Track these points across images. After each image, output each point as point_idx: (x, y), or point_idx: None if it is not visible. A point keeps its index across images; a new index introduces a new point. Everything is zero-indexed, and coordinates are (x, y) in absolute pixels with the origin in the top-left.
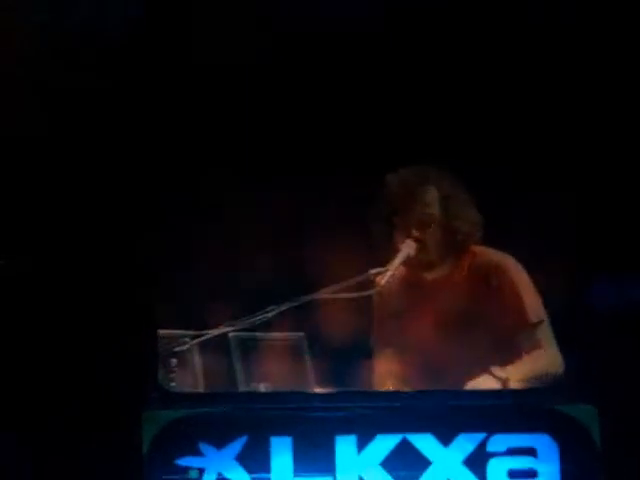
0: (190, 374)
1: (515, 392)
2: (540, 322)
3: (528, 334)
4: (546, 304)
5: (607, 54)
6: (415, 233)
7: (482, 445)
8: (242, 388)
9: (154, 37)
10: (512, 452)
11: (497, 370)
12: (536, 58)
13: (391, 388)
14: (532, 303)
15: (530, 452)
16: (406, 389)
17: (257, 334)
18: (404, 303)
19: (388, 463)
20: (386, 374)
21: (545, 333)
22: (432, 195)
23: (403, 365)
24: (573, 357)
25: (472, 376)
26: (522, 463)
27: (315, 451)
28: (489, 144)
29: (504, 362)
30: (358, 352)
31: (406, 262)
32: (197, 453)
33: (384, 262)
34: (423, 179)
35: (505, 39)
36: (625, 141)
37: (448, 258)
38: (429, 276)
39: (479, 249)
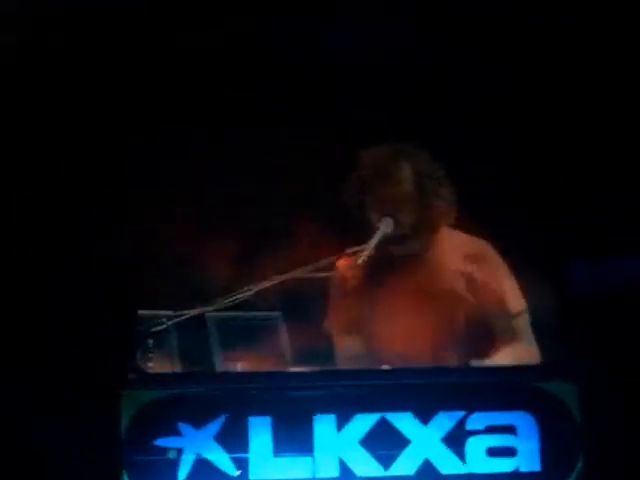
0: (167, 355)
1: (494, 369)
2: (519, 313)
3: (507, 325)
4: (525, 286)
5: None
6: (387, 210)
7: (461, 423)
8: (219, 368)
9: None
10: (491, 430)
11: (475, 364)
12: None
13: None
14: (512, 293)
15: (509, 430)
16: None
17: (234, 314)
18: (374, 277)
19: (367, 442)
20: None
21: (524, 324)
22: (406, 171)
23: (373, 344)
24: (551, 334)
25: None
26: (501, 441)
27: (294, 430)
28: (470, 126)
29: (481, 353)
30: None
31: (382, 240)
32: (175, 433)
33: (360, 240)
34: (397, 155)
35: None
36: (604, 125)
37: (420, 236)
38: (397, 251)
39: (454, 232)
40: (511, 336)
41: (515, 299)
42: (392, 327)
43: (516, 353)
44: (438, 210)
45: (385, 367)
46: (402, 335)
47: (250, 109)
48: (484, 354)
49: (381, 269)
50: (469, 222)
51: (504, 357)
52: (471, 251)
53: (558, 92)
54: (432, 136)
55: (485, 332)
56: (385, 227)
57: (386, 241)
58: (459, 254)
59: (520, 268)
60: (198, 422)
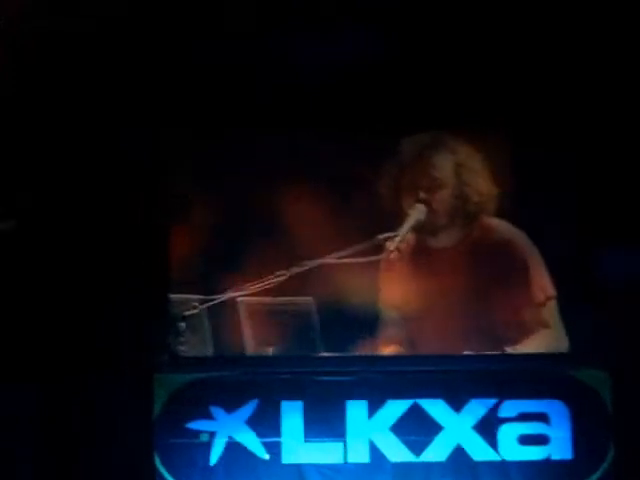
0: (199, 338)
1: (527, 357)
2: (547, 301)
3: (535, 313)
4: (555, 277)
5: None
6: (423, 195)
7: (493, 410)
8: (250, 352)
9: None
10: (523, 418)
11: (509, 349)
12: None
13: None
14: (540, 282)
15: (542, 418)
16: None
17: (266, 299)
18: (410, 269)
19: (398, 428)
20: (391, 339)
21: (552, 312)
22: (444, 160)
23: (408, 331)
24: (584, 324)
25: (479, 345)
26: (533, 429)
27: (326, 415)
28: (513, 118)
29: (512, 340)
30: (366, 317)
31: (418, 229)
32: (208, 416)
33: (393, 227)
34: (437, 144)
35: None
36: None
37: (456, 226)
38: (435, 243)
39: (492, 222)
40: (540, 323)
41: (543, 288)
42: (427, 315)
43: (544, 340)
44: (474, 202)
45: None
46: (435, 324)
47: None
48: (514, 342)
49: (418, 260)
50: (504, 212)
51: (533, 344)
52: (502, 240)
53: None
54: (473, 127)
55: (515, 320)
56: (417, 214)
57: (420, 231)
58: (490, 244)
59: (550, 257)
60: (230, 406)
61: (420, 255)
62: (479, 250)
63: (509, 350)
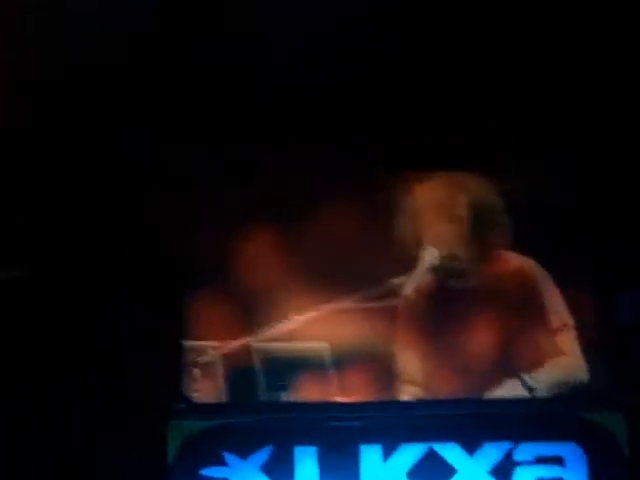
0: (213, 385)
1: (541, 400)
2: (563, 328)
3: (551, 339)
4: (574, 313)
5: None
6: (445, 245)
7: (508, 454)
8: (265, 398)
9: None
10: (539, 461)
11: (526, 376)
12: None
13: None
14: (555, 308)
15: (557, 461)
16: (429, 397)
17: (280, 344)
18: (432, 311)
19: (414, 472)
20: (410, 381)
21: (568, 339)
22: (462, 207)
23: (427, 372)
24: (600, 364)
25: (498, 383)
26: (549, 472)
27: (340, 461)
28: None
29: (530, 367)
30: (381, 362)
31: (437, 271)
32: (222, 463)
33: (408, 270)
34: (453, 188)
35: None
36: None
37: (478, 266)
38: (459, 285)
39: (507, 255)
40: (556, 350)
41: (559, 314)
42: (445, 358)
43: (561, 367)
44: (492, 240)
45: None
46: (456, 365)
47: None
48: (531, 369)
49: (443, 301)
50: (522, 246)
51: (550, 371)
52: (520, 271)
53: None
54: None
55: (532, 348)
56: (430, 257)
57: (445, 275)
58: (506, 276)
59: (572, 298)
60: (244, 452)
61: (443, 296)
62: (498, 285)
63: (525, 376)
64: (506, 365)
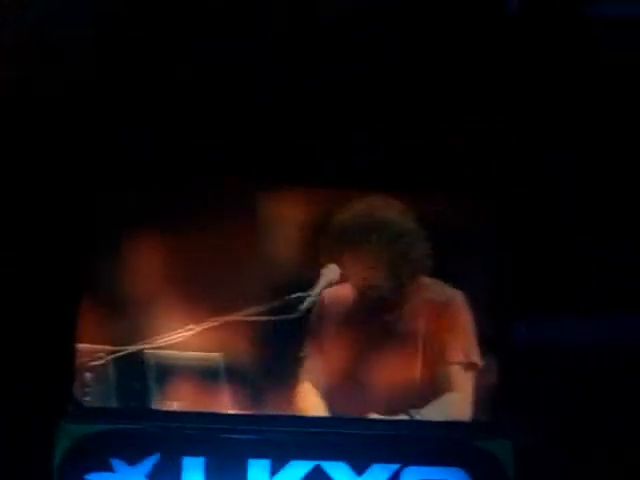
0: (104, 389)
1: (431, 424)
2: (459, 363)
3: (445, 374)
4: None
5: None
6: (364, 274)
7: (396, 476)
8: (156, 406)
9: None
10: None
11: (414, 412)
12: None
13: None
14: (460, 342)
15: None
16: (326, 414)
17: (174, 353)
18: (332, 328)
19: None
20: (302, 399)
21: (463, 375)
22: (375, 241)
23: (321, 392)
24: (489, 392)
25: (389, 414)
26: None
27: (227, 473)
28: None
29: (420, 403)
30: (275, 376)
31: (364, 302)
32: (108, 469)
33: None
34: (366, 221)
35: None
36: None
37: (400, 294)
38: (369, 301)
39: (429, 282)
40: (446, 386)
41: (462, 349)
42: (343, 377)
43: (450, 404)
44: (413, 266)
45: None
46: (353, 387)
47: None
48: (423, 403)
49: (343, 319)
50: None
51: (438, 409)
52: (442, 301)
53: None
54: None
55: (428, 381)
56: (329, 273)
57: (367, 301)
58: (427, 305)
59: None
60: (132, 459)
61: (347, 315)
62: (410, 314)
63: (414, 414)
64: (399, 397)
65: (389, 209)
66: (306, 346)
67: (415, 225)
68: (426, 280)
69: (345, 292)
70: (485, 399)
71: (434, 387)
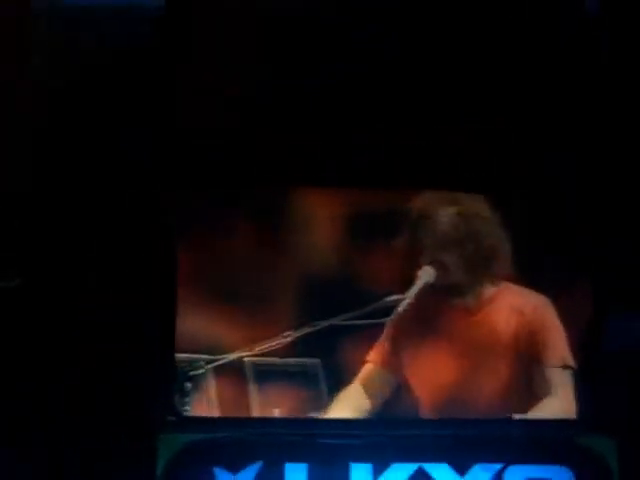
0: (205, 398)
1: (533, 422)
2: (562, 368)
3: (543, 378)
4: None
5: None
6: (432, 255)
7: (498, 475)
8: (256, 413)
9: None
10: None
11: (517, 417)
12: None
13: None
14: (554, 347)
15: None
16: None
17: (273, 359)
18: (423, 331)
19: None
20: (400, 402)
21: (561, 379)
22: (447, 215)
23: (416, 395)
24: (591, 389)
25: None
26: None
27: (330, 478)
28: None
29: (521, 407)
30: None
31: (429, 288)
32: (211, 478)
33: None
34: (440, 200)
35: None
36: None
37: (475, 286)
38: (454, 302)
39: (513, 288)
40: (545, 390)
41: (557, 354)
42: (436, 379)
43: (552, 410)
44: (489, 252)
45: None
46: (440, 385)
47: None
48: (525, 407)
49: (432, 321)
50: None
51: (538, 411)
52: (528, 305)
53: None
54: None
55: (525, 385)
56: (426, 276)
57: (440, 290)
58: (513, 312)
59: (569, 325)
60: (234, 467)
61: (435, 317)
62: (499, 314)
63: (517, 417)
64: (499, 402)
65: (479, 212)
66: (399, 349)
67: (500, 228)
68: (512, 286)
69: (433, 294)
70: (584, 400)
71: (533, 392)
